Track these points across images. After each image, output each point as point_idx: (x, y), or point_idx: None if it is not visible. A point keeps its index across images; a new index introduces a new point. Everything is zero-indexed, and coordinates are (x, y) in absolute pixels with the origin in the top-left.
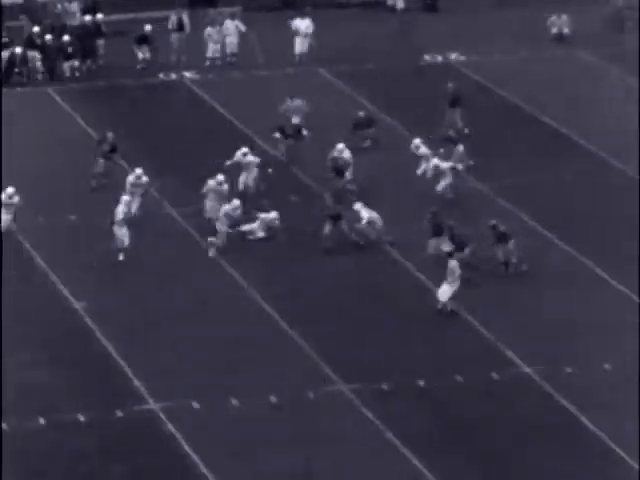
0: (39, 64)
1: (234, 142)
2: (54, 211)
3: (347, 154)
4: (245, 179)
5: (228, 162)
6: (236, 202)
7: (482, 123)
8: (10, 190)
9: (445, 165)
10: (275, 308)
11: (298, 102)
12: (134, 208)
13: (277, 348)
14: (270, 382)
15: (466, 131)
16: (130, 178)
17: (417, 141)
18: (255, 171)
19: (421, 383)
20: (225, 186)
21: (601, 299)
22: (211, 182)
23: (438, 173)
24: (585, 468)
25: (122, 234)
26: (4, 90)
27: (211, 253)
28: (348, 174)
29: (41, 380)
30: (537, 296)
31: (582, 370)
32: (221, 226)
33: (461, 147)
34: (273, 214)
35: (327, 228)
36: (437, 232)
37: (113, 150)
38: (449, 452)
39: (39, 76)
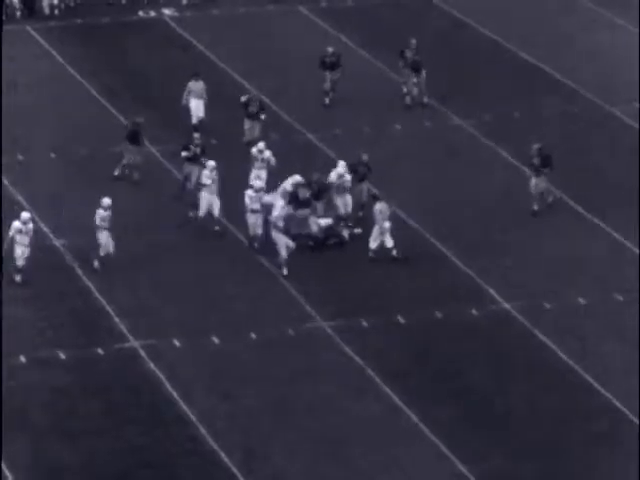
0: (17, 1)
1: (215, 80)
2: (34, 148)
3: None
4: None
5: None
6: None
7: (460, 59)
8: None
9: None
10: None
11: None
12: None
13: (257, 285)
14: (251, 319)
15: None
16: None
17: (261, 145)
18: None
19: (400, 319)
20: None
21: (578, 234)
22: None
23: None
24: (564, 401)
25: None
26: None
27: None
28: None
29: (22, 317)
30: (513, 232)
31: (559, 305)
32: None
33: (423, 74)
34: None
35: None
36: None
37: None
38: (429, 388)
39: (18, 13)
